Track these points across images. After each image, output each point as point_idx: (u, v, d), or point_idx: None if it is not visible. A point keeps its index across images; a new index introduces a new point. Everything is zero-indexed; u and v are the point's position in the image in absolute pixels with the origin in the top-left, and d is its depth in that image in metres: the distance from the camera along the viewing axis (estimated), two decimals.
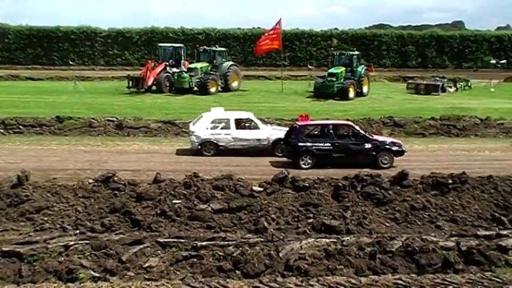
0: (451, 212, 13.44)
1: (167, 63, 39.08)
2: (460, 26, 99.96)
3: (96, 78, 47.90)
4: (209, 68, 38.84)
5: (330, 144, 17.37)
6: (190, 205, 13.07)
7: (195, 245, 10.77)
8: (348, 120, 21.25)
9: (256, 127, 19.41)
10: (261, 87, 41.84)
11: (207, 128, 19.17)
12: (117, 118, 24.26)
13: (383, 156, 17.47)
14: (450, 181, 14.44)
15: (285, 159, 18.06)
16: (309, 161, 17.31)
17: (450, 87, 42.82)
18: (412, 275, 9.98)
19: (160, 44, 43.37)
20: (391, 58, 62.22)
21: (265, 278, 9.68)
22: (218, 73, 38.47)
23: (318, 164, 17.18)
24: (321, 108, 30.09)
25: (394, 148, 17.69)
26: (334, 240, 11.11)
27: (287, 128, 19.14)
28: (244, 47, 59.85)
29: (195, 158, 18.51)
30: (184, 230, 12.05)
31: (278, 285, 9.38)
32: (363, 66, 38.36)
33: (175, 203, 13.10)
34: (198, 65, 38.59)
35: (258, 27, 62.73)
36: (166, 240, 11.05)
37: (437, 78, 43.84)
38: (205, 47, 41.67)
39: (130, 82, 37.83)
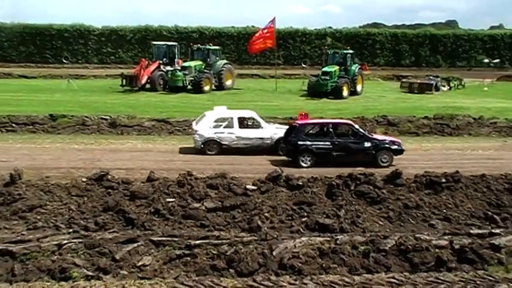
0: (444, 211, 13.49)
1: (161, 62, 39.07)
2: (453, 25, 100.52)
3: (90, 76, 47.78)
4: (203, 67, 38.79)
5: (329, 143, 17.41)
6: (184, 204, 13.07)
7: (188, 243, 10.74)
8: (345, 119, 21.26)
9: (259, 126, 19.37)
10: (254, 86, 41.82)
11: (210, 127, 19.08)
12: (110, 116, 24.18)
13: (382, 154, 17.55)
14: (443, 180, 14.50)
15: (280, 157, 18.07)
16: (309, 160, 17.34)
17: (444, 86, 42.97)
18: (405, 273, 9.99)
19: (154, 42, 43.29)
20: (385, 57, 62.40)
21: (258, 276, 9.66)
22: (212, 72, 38.43)
23: (318, 162, 17.21)
24: (315, 107, 30.10)
25: (394, 147, 17.77)
26: (328, 238, 11.11)
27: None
28: (238, 46, 59.87)
29: (188, 157, 18.49)
30: (178, 228, 12.02)
31: (272, 284, 9.37)
32: (356, 65, 38.41)
33: (169, 202, 13.09)
34: (192, 64, 38.52)
35: (252, 26, 62.77)
36: (159, 238, 11.01)
37: (431, 77, 43.95)
38: (199, 45, 41.61)
39: (124, 80, 37.74)
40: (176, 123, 23.70)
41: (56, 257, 10.17)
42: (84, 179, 14.49)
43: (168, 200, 13.24)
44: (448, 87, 43.49)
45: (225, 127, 19.13)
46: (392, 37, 62.83)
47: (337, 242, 10.92)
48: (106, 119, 23.83)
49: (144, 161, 17.54)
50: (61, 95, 34.34)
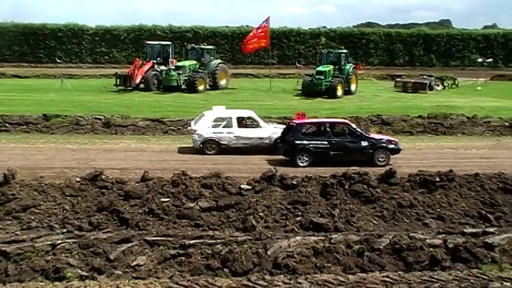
0: (438, 210, 13.54)
1: (155, 61, 38.98)
2: (447, 24, 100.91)
3: (84, 76, 47.59)
4: (197, 66, 38.68)
5: (326, 142, 17.42)
6: (178, 203, 13.05)
7: (183, 243, 10.73)
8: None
9: (258, 125, 19.33)
10: (249, 85, 41.78)
11: (209, 127, 19.03)
12: (104, 116, 24.09)
13: (379, 154, 17.57)
14: (437, 179, 14.54)
15: (276, 157, 18.06)
16: (306, 159, 17.35)
17: (437, 85, 43.11)
18: (399, 272, 10.01)
19: (148, 42, 43.12)
20: (379, 56, 62.56)
21: (253, 276, 9.66)
22: (206, 71, 38.35)
23: (315, 162, 17.23)
24: (309, 106, 30.09)
25: (391, 146, 17.79)
26: (322, 238, 11.12)
27: None
28: (232, 45, 59.84)
29: (183, 156, 18.46)
30: (172, 228, 12.02)
31: (266, 283, 9.36)
32: (351, 64, 38.45)
33: (163, 201, 13.07)
34: (186, 63, 38.43)
35: (247, 25, 62.70)
36: (154, 238, 10.99)
37: (424, 77, 44.07)
38: (193, 45, 41.54)
39: (118, 80, 37.63)
40: (170, 122, 23.64)
41: (49, 257, 10.14)
42: (78, 179, 14.44)
43: (162, 199, 13.22)
44: (442, 87, 43.64)
45: (223, 127, 19.08)
46: (386, 37, 63.00)
47: (332, 241, 10.94)
48: (100, 119, 23.73)
49: (138, 161, 17.49)
50: (55, 95, 34.17)
